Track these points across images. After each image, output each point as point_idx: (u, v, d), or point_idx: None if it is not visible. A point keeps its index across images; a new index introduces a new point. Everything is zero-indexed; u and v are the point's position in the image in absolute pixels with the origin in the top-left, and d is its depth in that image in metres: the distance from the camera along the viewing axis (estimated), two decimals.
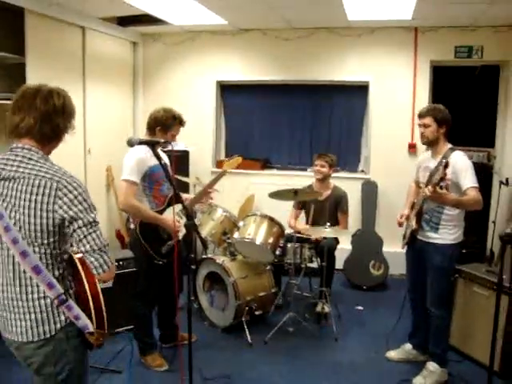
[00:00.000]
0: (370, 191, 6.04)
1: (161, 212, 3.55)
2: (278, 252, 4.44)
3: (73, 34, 5.40)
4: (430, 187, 3.19)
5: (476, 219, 5.02)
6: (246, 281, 4.37)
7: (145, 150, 3.22)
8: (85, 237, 1.85)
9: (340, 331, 4.38)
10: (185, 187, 5.36)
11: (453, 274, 3.72)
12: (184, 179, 4.53)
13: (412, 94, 5.91)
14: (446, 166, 3.10)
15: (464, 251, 3.75)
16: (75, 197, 1.84)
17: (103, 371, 3.59)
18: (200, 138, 6.46)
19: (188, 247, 3.94)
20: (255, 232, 4.39)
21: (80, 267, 1.93)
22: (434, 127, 3.49)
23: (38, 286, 1.88)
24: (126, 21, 6.05)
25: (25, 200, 1.83)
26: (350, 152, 6.42)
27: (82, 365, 2.05)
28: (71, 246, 1.97)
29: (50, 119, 1.90)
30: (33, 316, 1.89)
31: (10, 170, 1.87)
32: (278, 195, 4.44)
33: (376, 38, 5.92)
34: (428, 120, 3.50)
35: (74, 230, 1.85)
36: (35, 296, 1.89)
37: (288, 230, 4.85)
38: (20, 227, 1.84)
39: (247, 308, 4.31)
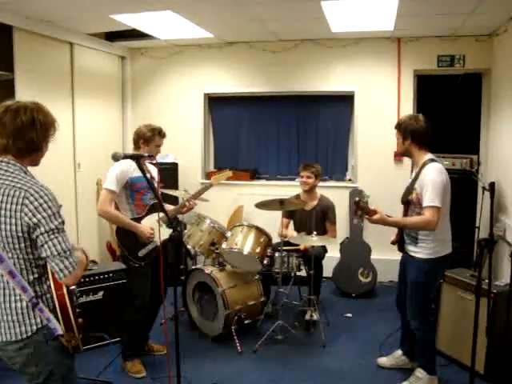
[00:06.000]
0: None
1: (139, 220, 3.74)
2: (265, 261, 4.46)
3: (61, 50, 5.47)
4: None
5: (462, 225, 5.09)
6: (234, 290, 4.41)
7: (128, 163, 3.55)
8: (46, 242, 1.93)
9: (329, 338, 4.42)
10: (174, 199, 5.40)
11: (431, 290, 3.53)
12: (172, 193, 4.55)
13: (397, 103, 6.00)
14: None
15: None
16: (40, 204, 1.91)
17: (95, 382, 3.62)
18: (189, 150, 6.54)
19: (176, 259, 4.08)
20: (242, 242, 4.43)
21: (50, 273, 2.01)
22: (400, 140, 3.45)
23: (14, 289, 1.97)
24: (113, 36, 6.14)
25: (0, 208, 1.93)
26: (337, 161, 6.50)
27: (65, 366, 2.11)
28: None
29: (21, 135, 1.98)
30: (10, 317, 1.99)
31: None
32: (264, 205, 4.49)
33: (360, 48, 6.03)
34: (396, 133, 3.49)
35: (37, 236, 1.93)
36: (12, 298, 1.99)
37: (279, 240, 4.83)
38: None
39: (236, 317, 4.35)
